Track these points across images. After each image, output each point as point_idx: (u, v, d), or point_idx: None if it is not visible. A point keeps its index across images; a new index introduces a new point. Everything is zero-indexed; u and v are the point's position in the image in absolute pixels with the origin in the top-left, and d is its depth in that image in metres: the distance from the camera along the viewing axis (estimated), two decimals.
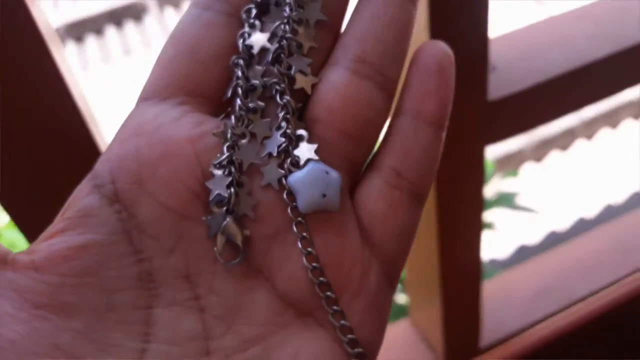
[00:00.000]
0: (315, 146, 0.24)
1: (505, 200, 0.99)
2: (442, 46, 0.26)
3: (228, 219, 0.24)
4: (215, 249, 0.24)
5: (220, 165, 0.24)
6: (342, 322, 0.24)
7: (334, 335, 0.24)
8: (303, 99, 0.25)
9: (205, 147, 0.24)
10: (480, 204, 0.48)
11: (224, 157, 0.24)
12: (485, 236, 0.54)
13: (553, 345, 0.49)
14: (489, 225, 1.01)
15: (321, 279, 0.24)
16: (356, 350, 0.24)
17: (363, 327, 0.24)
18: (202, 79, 0.25)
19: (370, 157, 0.26)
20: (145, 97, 0.25)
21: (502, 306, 0.58)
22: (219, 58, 0.25)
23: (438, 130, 0.26)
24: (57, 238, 0.22)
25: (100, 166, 0.24)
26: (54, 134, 0.34)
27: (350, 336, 0.24)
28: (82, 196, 0.23)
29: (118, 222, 0.23)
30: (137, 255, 0.23)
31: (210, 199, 0.24)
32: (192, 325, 0.23)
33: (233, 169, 0.24)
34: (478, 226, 0.49)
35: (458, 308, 0.52)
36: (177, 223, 0.23)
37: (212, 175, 0.24)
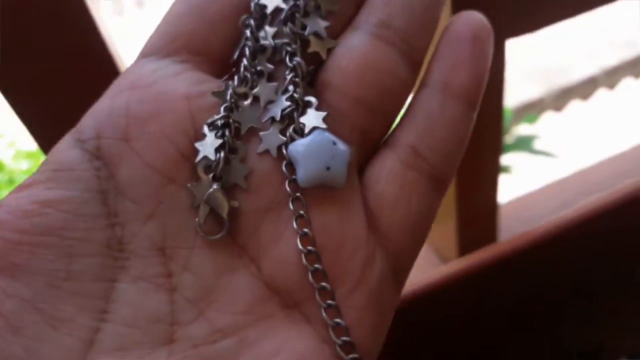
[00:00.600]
0: (323, 114, 0.21)
1: (524, 144, 0.90)
2: (480, 16, 0.23)
3: (214, 187, 0.21)
4: (197, 219, 0.21)
5: (213, 126, 0.21)
6: (337, 320, 0.20)
7: (325, 335, 0.20)
8: (316, 64, 0.22)
9: (202, 106, 0.21)
10: (499, 124, 0.44)
11: (218, 116, 0.21)
12: (502, 180, 0.51)
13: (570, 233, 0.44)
14: (506, 169, 0.92)
15: (316, 265, 0.21)
16: (351, 356, 0.20)
17: (360, 327, 0.21)
18: (208, 38, 0.22)
19: (388, 133, 0.23)
20: (146, 54, 0.22)
21: (519, 226, 0.54)
22: (229, 17, 0.23)
23: (468, 107, 0.22)
24: (25, 192, 0.20)
25: (86, 120, 0.21)
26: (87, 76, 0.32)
27: (344, 338, 0.20)
28: (62, 150, 0.21)
29: (95, 179, 0.20)
30: (110, 219, 0.20)
31: (196, 161, 0.21)
32: (158, 305, 0.20)
33: (227, 132, 0.21)
34: (496, 160, 0.45)
35: (474, 245, 0.48)
36: (160, 187, 0.20)
37: (204, 137, 0.21)
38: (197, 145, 0.21)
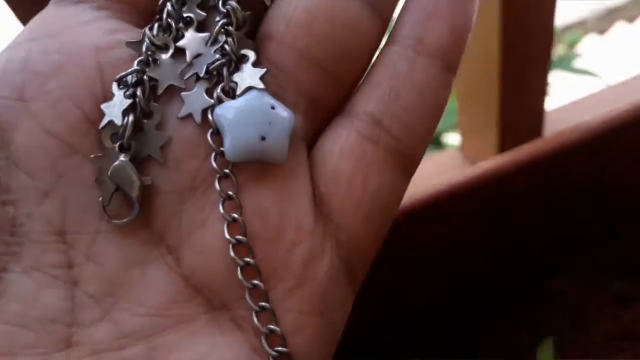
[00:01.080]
0: (262, 71, 0.17)
1: (564, 62, 0.85)
2: None
3: (121, 159, 0.17)
4: (100, 199, 0.17)
5: (123, 84, 0.17)
6: (271, 326, 0.16)
7: (256, 344, 0.17)
8: (257, 9, 0.18)
9: (114, 60, 0.17)
10: (550, 35, 0.39)
11: (129, 71, 0.17)
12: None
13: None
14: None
15: (247, 259, 0.17)
16: None
17: (299, 335, 0.17)
18: None
19: (342, 101, 0.19)
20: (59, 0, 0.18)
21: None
22: None
23: (445, 69, 0.18)
24: None
25: None
26: None
27: (279, 348, 0.16)
28: None
29: None
30: (1, 195, 0.16)
31: (101, 126, 0.17)
32: (54, 302, 0.16)
33: (139, 91, 0.17)
34: (546, 67, 0.41)
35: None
36: (60, 157, 0.17)
37: (113, 96, 0.17)
38: (102, 107, 0.17)
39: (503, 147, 0.44)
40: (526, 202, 0.41)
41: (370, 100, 0.18)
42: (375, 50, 0.18)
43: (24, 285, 0.16)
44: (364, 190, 0.17)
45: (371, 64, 0.19)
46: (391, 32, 0.18)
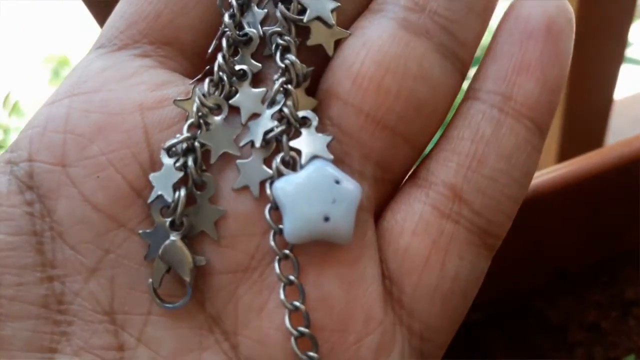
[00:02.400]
0: (328, 138, 0.15)
1: None
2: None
3: (172, 238, 0.15)
4: (150, 280, 0.15)
5: (173, 152, 0.15)
6: None
7: None
8: (319, 62, 0.16)
9: (161, 120, 0.16)
10: (628, 20, 0.36)
11: (179, 139, 0.15)
12: None
13: None
14: None
15: (310, 354, 0.15)
16: None
17: None
18: (178, 22, 0.16)
19: (416, 163, 0.16)
20: (101, 44, 0.17)
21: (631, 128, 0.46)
22: None
23: (535, 132, 0.15)
24: None
25: (22, 135, 0.16)
26: None
27: None
28: None
29: (27, 217, 0.15)
30: (47, 271, 0.15)
31: (150, 201, 0.15)
32: None
33: (190, 161, 0.15)
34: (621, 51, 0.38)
35: (579, 142, 0.42)
36: (104, 232, 0.15)
37: (162, 165, 0.15)
38: (151, 177, 0.15)
39: (563, 154, 0.41)
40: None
41: (448, 169, 0.15)
42: (451, 105, 0.16)
43: None
44: (442, 275, 0.15)
45: (447, 121, 0.16)
46: (470, 85, 0.16)
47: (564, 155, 0.43)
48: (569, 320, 0.27)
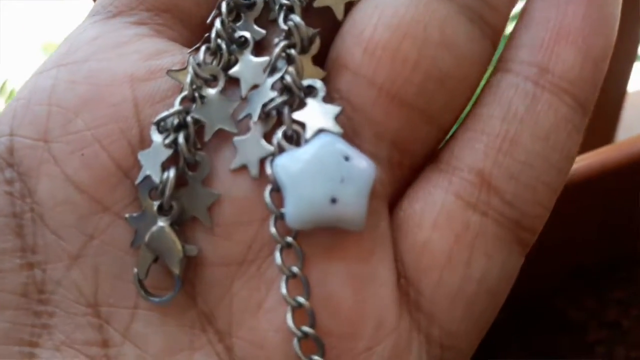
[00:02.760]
0: (337, 109, 0.13)
1: None
2: None
3: (159, 224, 0.13)
4: (136, 271, 0.13)
5: (163, 128, 0.14)
6: None
7: None
8: (329, 28, 0.14)
9: (153, 92, 0.14)
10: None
11: (170, 112, 0.14)
12: None
13: None
14: None
15: (316, 358, 0.13)
16: None
17: None
18: None
19: (440, 145, 0.14)
20: (95, 12, 0.16)
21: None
22: None
23: (575, 107, 0.13)
24: None
25: (7, 108, 0.15)
26: None
27: None
28: None
29: (6, 197, 0.14)
30: (27, 256, 0.14)
31: (137, 182, 0.14)
32: None
33: (181, 137, 0.14)
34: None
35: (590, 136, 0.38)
36: (88, 215, 0.14)
37: (152, 142, 0.14)
38: (140, 156, 0.14)
39: None
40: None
41: (475, 151, 0.13)
42: (481, 78, 0.14)
43: None
44: (466, 275, 0.13)
45: (475, 96, 0.14)
46: (502, 55, 0.14)
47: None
48: (588, 318, 0.25)
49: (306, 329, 0.13)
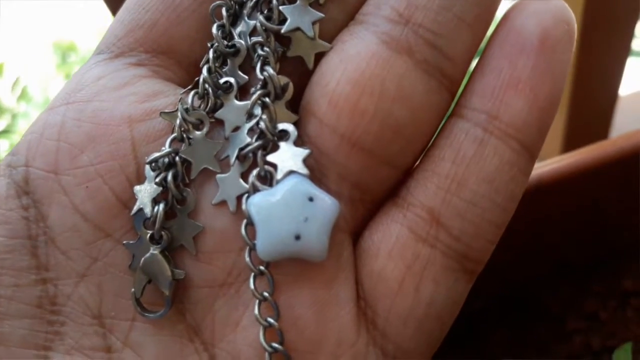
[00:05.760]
0: (305, 152, 0.15)
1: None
2: (556, 5, 0.14)
3: (152, 251, 0.15)
4: (133, 290, 0.16)
5: (156, 166, 0.16)
6: None
7: None
8: (304, 74, 0.16)
9: (149, 132, 0.16)
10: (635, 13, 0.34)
11: (161, 153, 0.15)
12: None
13: None
14: None
15: None
16: None
17: None
18: (172, 31, 0.16)
19: (394, 184, 0.16)
20: (100, 50, 0.17)
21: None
22: (202, 3, 0.17)
23: (522, 152, 0.14)
24: None
25: (23, 139, 0.17)
26: None
27: None
28: None
29: (23, 222, 0.16)
30: (41, 273, 0.16)
31: (132, 213, 0.16)
32: None
33: (170, 176, 0.15)
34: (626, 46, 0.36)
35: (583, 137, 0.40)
36: (92, 240, 0.16)
37: (146, 178, 0.16)
38: (135, 190, 0.16)
39: (567, 149, 0.38)
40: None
41: (427, 190, 0.15)
42: (437, 124, 0.15)
43: None
44: (416, 299, 0.15)
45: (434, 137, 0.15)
46: (458, 102, 0.15)
47: (567, 150, 0.40)
48: (567, 309, 0.26)
49: (276, 345, 0.15)
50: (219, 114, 0.16)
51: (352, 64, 0.15)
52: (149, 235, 0.16)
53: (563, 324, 0.26)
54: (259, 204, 0.15)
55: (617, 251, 0.27)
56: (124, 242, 0.16)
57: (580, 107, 0.38)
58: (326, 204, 0.14)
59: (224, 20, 0.16)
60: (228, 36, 0.16)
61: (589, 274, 0.27)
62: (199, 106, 0.16)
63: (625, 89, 0.42)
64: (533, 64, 0.14)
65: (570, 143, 0.40)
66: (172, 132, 0.16)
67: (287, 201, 0.14)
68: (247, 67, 0.16)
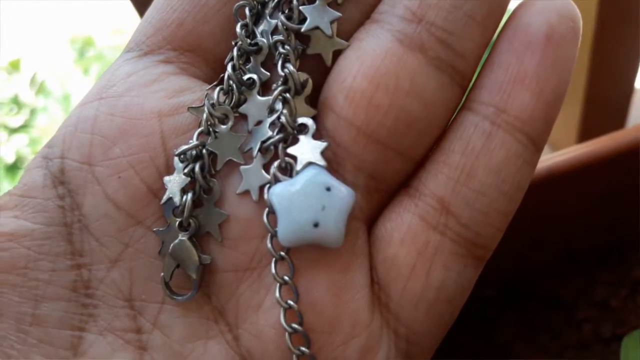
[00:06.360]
0: (323, 145, 0.16)
1: None
2: (561, 2, 0.15)
3: (180, 238, 0.16)
4: (162, 274, 0.17)
5: (184, 158, 0.17)
6: None
7: None
8: (323, 71, 0.17)
9: (176, 126, 0.17)
10: None
11: (189, 146, 0.17)
12: None
13: None
14: None
15: (302, 349, 0.16)
16: None
17: None
18: (201, 30, 0.17)
19: (407, 175, 0.17)
20: (130, 48, 0.18)
21: None
22: (227, 3, 0.17)
23: (528, 144, 0.15)
24: None
25: (58, 132, 0.18)
26: None
27: None
28: (31, 168, 0.18)
29: (58, 210, 0.17)
30: (76, 259, 0.17)
31: (162, 202, 0.17)
32: None
33: (197, 167, 0.16)
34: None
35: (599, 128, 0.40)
36: (125, 227, 0.17)
37: (174, 169, 0.17)
38: (165, 180, 0.17)
39: (583, 137, 0.38)
40: None
41: (437, 180, 0.16)
42: (449, 119, 0.16)
43: (101, 346, 0.17)
44: (427, 284, 0.15)
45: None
46: (467, 96, 0.16)
47: (583, 141, 0.40)
48: (578, 298, 0.27)
49: (295, 326, 0.16)
50: (243, 108, 0.17)
51: (368, 61, 0.15)
52: (177, 222, 0.17)
53: (573, 312, 0.27)
54: (280, 193, 0.16)
55: (628, 240, 0.27)
56: (154, 229, 0.17)
57: (596, 99, 0.38)
58: (343, 193, 0.15)
59: (247, 20, 0.17)
60: (251, 35, 0.17)
61: (600, 262, 0.27)
62: (224, 101, 0.17)
63: None
64: (539, 59, 0.15)
65: (586, 135, 0.40)
66: (199, 126, 0.17)
67: (306, 191, 0.15)
68: (269, 64, 0.17)
